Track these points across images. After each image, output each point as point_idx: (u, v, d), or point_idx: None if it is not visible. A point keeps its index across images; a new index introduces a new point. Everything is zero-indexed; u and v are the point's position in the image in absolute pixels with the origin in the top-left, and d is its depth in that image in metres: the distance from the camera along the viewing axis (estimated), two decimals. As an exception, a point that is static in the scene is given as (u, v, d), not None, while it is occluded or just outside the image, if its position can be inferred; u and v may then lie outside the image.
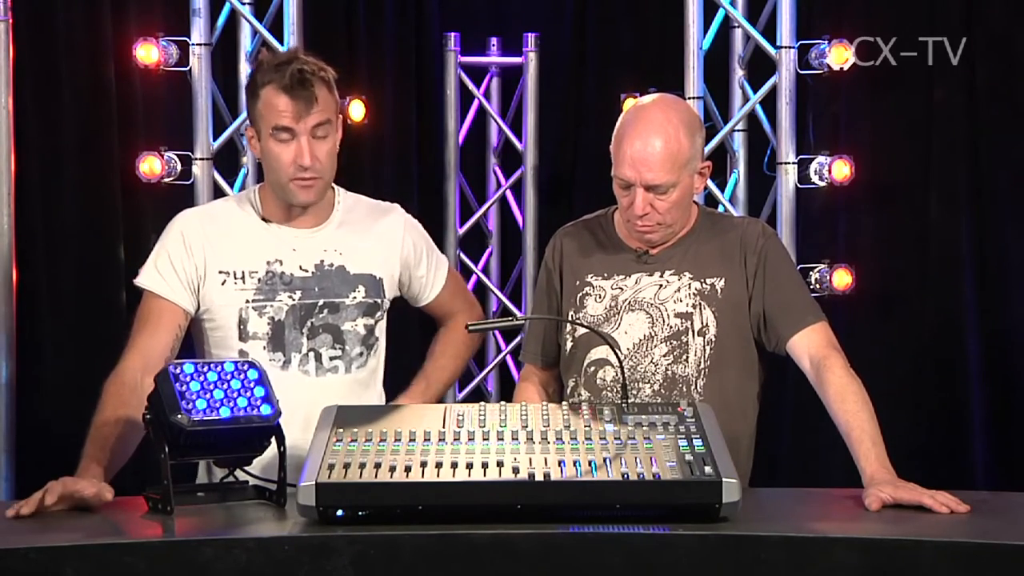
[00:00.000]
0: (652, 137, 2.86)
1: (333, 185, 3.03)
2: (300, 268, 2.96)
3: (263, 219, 2.99)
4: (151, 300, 2.92)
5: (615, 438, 2.43)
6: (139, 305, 2.96)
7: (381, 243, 3.05)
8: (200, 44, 4.67)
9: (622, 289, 2.99)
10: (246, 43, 4.85)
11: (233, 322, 2.92)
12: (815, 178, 4.71)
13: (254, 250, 2.95)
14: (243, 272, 2.93)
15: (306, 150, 2.86)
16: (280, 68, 2.88)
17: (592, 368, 2.98)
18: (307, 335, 2.94)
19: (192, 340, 3.00)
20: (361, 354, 2.99)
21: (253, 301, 2.93)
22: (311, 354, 2.94)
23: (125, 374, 2.77)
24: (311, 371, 2.94)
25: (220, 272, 2.93)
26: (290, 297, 2.94)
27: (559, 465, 2.33)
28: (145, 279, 2.93)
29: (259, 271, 2.94)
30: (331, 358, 2.96)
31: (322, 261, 2.98)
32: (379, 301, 3.02)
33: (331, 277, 2.98)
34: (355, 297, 2.99)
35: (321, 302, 2.96)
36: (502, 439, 2.43)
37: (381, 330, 3.05)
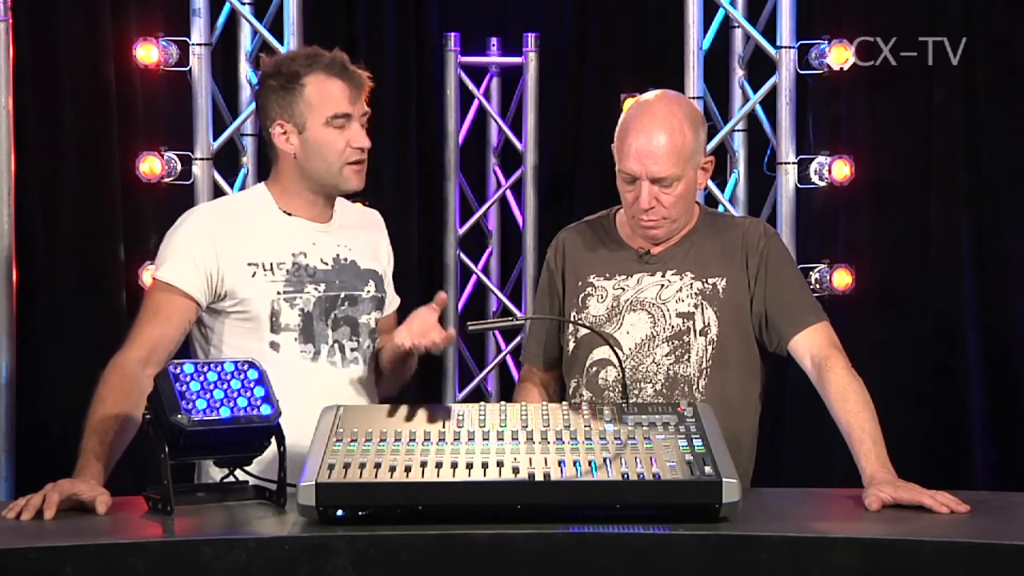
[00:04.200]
0: (657, 131, 2.87)
1: None
2: (321, 261, 2.96)
3: (285, 212, 2.98)
4: (165, 291, 2.87)
5: (615, 438, 2.43)
6: (147, 294, 2.95)
7: (373, 241, 3.08)
8: (200, 44, 4.67)
9: (624, 289, 3.00)
10: (246, 43, 4.85)
11: (266, 314, 2.90)
12: (815, 178, 4.71)
13: (279, 242, 2.94)
14: (271, 264, 2.92)
15: (361, 132, 2.91)
16: (321, 56, 2.91)
17: (594, 368, 2.98)
18: (331, 327, 2.94)
19: (191, 337, 2.98)
20: (369, 347, 3.00)
21: (284, 292, 2.91)
22: (336, 346, 2.94)
23: (127, 365, 2.76)
24: (338, 362, 2.94)
25: (249, 264, 2.90)
26: (316, 289, 2.93)
27: (559, 465, 2.33)
28: (164, 271, 2.87)
29: (286, 263, 2.93)
30: (351, 350, 2.96)
31: (338, 255, 2.98)
32: (383, 296, 3.04)
33: (347, 271, 2.98)
34: (368, 291, 3.00)
35: (343, 295, 2.96)
36: (502, 439, 2.43)
37: None
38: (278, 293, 2.91)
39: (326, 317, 2.93)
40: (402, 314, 3.04)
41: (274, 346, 2.90)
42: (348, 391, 2.90)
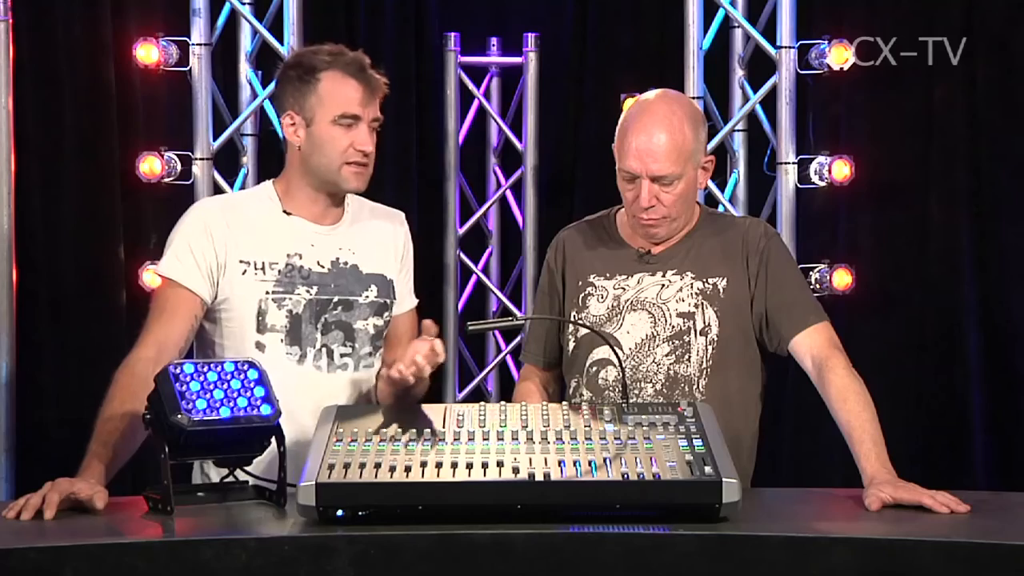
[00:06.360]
0: (657, 129, 2.88)
1: None
2: (318, 264, 2.96)
3: (284, 212, 2.98)
4: (169, 288, 2.89)
5: (615, 438, 2.43)
6: (154, 293, 2.97)
7: (386, 244, 3.06)
8: (200, 44, 4.67)
9: (624, 289, 3.00)
10: (246, 43, 4.85)
11: (252, 313, 2.90)
12: (815, 178, 4.71)
13: (275, 242, 2.94)
14: (264, 263, 2.92)
15: (367, 136, 2.91)
16: (342, 55, 2.92)
17: (594, 368, 2.98)
18: (321, 330, 2.94)
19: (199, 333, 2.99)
20: (369, 353, 2.99)
21: (273, 293, 2.91)
22: (324, 350, 2.94)
23: (137, 364, 2.76)
24: (323, 367, 2.93)
25: (241, 262, 2.91)
26: (307, 292, 2.93)
27: (559, 465, 2.33)
28: (165, 267, 2.90)
29: (279, 263, 2.93)
30: (342, 355, 2.95)
31: (338, 259, 2.98)
32: (388, 301, 3.02)
33: (346, 275, 2.97)
34: (367, 296, 2.99)
35: (336, 299, 2.95)
36: (502, 439, 2.43)
37: None
38: (267, 293, 2.91)
39: (316, 320, 2.93)
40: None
41: (259, 346, 2.90)
42: (333, 395, 2.87)
